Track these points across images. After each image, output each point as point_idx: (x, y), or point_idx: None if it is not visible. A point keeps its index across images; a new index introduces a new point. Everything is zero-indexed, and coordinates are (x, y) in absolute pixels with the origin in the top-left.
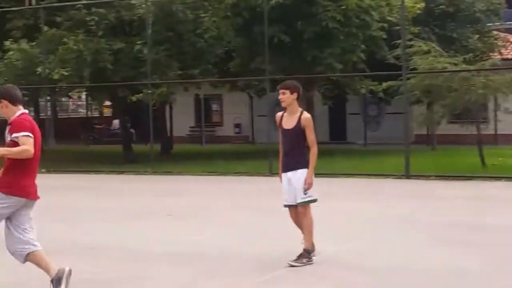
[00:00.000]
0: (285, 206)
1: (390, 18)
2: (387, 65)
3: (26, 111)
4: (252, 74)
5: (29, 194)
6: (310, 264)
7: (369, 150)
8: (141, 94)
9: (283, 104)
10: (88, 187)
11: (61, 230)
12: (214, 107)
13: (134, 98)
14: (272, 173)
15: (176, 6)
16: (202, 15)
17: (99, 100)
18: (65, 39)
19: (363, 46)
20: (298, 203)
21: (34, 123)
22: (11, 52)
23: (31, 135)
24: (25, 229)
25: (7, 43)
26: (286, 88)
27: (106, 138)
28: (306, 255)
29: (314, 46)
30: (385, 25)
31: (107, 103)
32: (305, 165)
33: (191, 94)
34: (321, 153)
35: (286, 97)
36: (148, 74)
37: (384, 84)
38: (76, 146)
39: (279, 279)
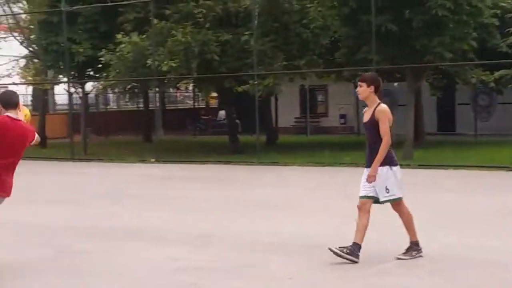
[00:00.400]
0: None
1: (503, 4)
2: (499, 53)
3: (9, 114)
4: (358, 64)
5: None
6: (419, 256)
7: (479, 141)
8: (247, 85)
9: (360, 97)
10: (195, 177)
11: (172, 219)
12: (319, 97)
13: (240, 89)
14: None
15: None
16: (308, 5)
17: (206, 91)
18: (173, 32)
19: (474, 34)
20: (381, 202)
21: (4, 125)
22: (122, 45)
23: None
24: None
25: (118, 36)
26: (363, 81)
27: (212, 129)
28: (415, 247)
29: (422, 34)
30: (498, 12)
31: (213, 94)
32: (385, 161)
33: (296, 85)
34: (429, 144)
35: (362, 90)
36: (254, 65)
37: (496, 73)
38: (183, 137)
39: (387, 271)
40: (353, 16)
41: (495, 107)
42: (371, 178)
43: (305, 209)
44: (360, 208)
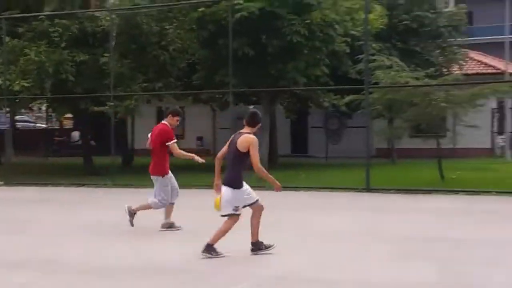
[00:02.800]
0: None
1: (353, 32)
2: (350, 79)
3: (163, 122)
4: (215, 87)
5: None
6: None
7: (330, 164)
8: (106, 107)
9: None
10: (46, 200)
11: (18, 243)
12: None
13: (97, 110)
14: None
15: (141, 17)
16: (167, 27)
17: (60, 112)
18: (26, 50)
19: (326, 60)
20: None
21: (155, 128)
22: None
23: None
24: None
25: None
26: None
27: (66, 150)
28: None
29: (278, 59)
30: (349, 39)
31: (68, 115)
32: None
33: (153, 107)
34: (282, 166)
35: None
36: (111, 86)
37: (346, 98)
38: (36, 158)
39: None
40: (211, 39)
41: (345, 130)
42: None
43: (150, 233)
44: None
